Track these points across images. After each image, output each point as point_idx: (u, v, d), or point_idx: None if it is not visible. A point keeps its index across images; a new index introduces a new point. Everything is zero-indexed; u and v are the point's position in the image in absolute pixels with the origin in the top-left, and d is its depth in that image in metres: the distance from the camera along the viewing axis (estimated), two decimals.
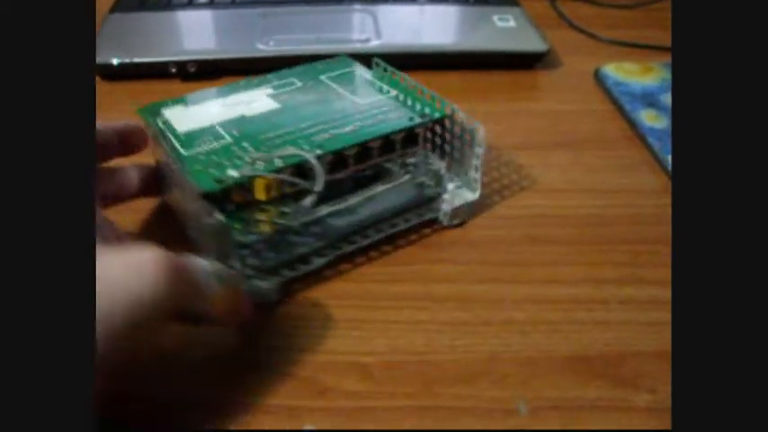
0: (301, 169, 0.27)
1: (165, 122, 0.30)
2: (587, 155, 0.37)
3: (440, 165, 0.31)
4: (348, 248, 0.29)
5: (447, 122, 0.30)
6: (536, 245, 0.30)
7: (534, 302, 0.27)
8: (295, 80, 0.34)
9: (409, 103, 0.31)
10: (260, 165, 0.26)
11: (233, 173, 0.26)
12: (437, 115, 0.30)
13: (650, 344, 0.25)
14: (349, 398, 0.23)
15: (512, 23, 0.49)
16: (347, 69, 0.35)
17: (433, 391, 0.24)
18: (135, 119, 0.31)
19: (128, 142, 0.30)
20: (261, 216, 0.26)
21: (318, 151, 0.27)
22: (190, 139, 0.29)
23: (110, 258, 0.19)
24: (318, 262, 0.28)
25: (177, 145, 0.28)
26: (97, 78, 0.44)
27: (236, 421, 0.22)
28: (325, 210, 0.28)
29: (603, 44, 0.51)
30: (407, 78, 0.32)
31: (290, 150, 0.27)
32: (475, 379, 0.24)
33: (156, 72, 0.44)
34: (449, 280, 0.28)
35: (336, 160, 0.28)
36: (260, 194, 0.26)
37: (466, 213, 0.31)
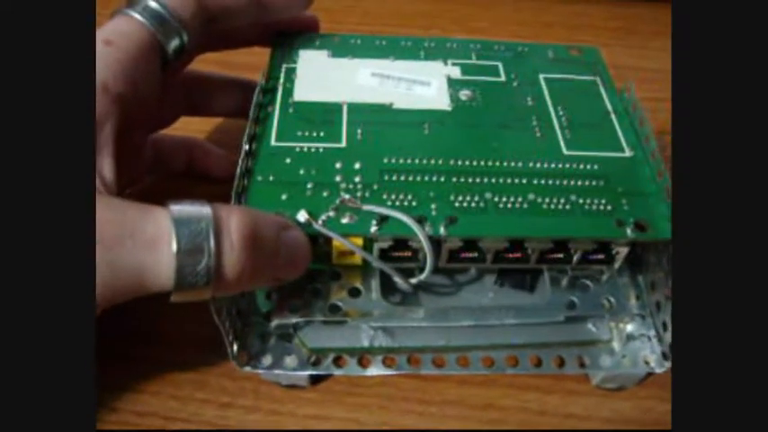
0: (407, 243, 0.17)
1: (288, 74, 0.21)
2: None
3: (631, 302, 0.19)
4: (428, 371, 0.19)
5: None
6: None
7: None
8: (498, 64, 0.22)
9: (626, 185, 0.18)
10: (348, 217, 0.17)
11: (302, 215, 0.17)
12: (661, 235, 0.17)
13: None
14: None
15: None
16: (582, 77, 0.22)
17: None
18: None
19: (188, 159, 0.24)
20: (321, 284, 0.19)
21: (443, 230, 0.17)
22: (296, 119, 0.20)
23: None
24: (374, 371, 0.18)
25: (274, 123, 0.19)
26: None
27: None
28: (408, 318, 0.19)
29: None
30: (652, 138, 0.19)
31: (395, 213, 0.17)
32: None
33: None
34: None
35: (469, 245, 0.17)
36: (335, 257, 0.18)
37: (631, 381, 0.19)
